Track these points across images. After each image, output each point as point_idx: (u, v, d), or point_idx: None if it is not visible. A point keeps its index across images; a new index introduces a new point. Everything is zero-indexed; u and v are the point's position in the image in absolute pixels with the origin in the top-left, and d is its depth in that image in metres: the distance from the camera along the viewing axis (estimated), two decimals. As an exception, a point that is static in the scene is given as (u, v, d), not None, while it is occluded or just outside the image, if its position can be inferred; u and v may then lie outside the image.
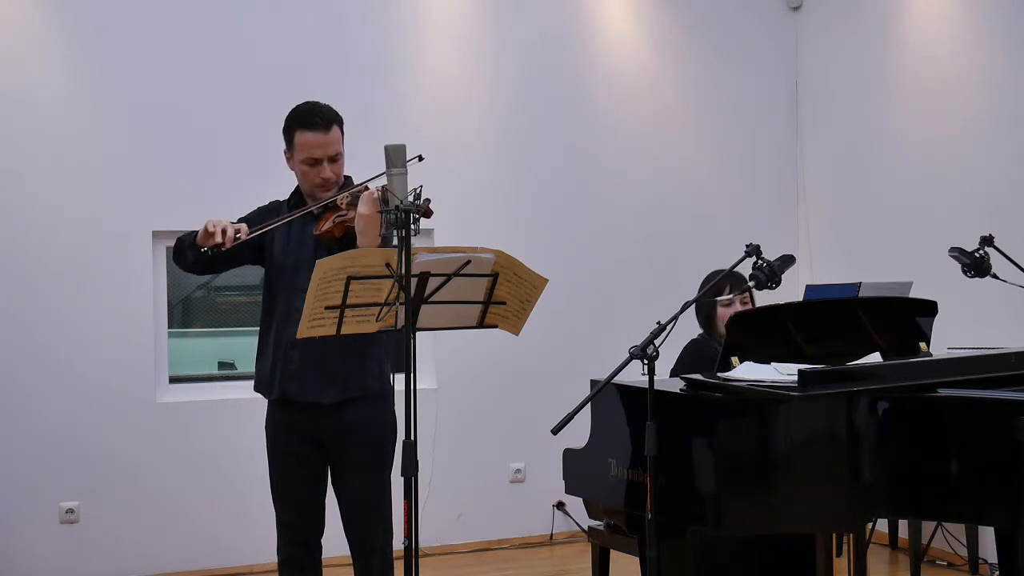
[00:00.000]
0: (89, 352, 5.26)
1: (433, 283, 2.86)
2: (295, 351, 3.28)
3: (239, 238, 3.12)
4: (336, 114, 3.35)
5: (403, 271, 2.72)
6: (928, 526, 5.22)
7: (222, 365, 6.32)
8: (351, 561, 3.39)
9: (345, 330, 2.87)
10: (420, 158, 3.07)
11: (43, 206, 5.22)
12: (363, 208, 3.09)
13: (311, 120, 3.30)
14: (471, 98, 5.98)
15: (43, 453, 5.17)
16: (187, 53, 5.45)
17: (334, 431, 3.32)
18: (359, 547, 3.35)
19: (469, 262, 2.87)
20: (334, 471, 3.40)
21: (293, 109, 3.37)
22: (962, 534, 5.17)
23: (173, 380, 5.53)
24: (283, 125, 3.37)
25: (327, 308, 2.82)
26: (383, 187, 2.88)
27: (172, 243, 3.39)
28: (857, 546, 3.40)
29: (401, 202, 2.76)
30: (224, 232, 3.10)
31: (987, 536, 4.96)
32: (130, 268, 5.31)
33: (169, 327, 5.53)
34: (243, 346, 6.32)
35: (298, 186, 3.43)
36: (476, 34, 6.02)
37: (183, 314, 6.03)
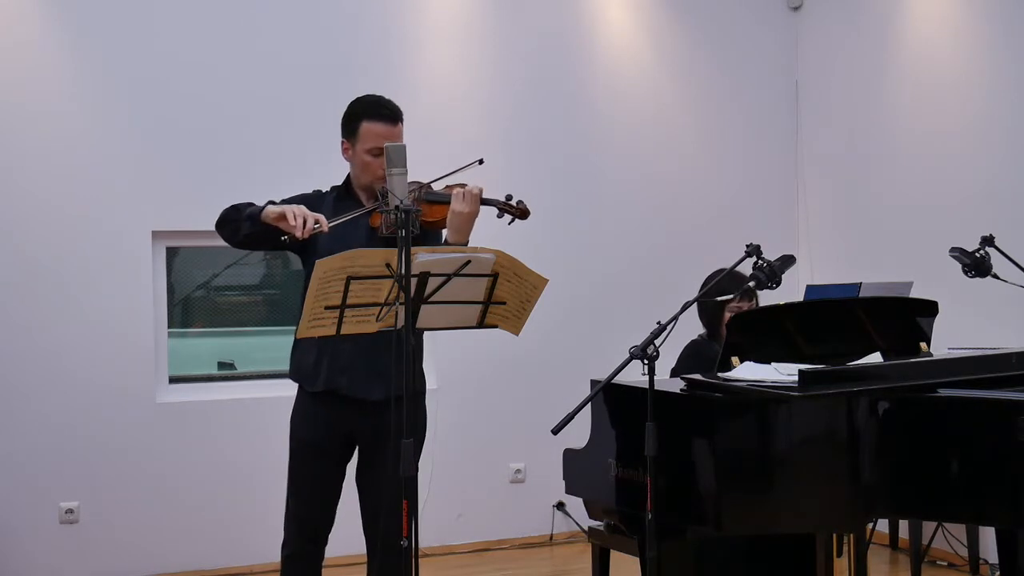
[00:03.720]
0: (89, 352, 5.25)
1: (433, 283, 2.86)
2: (346, 344, 3.23)
3: (317, 228, 3.08)
4: (400, 110, 3.37)
5: (403, 271, 2.72)
6: (928, 526, 5.21)
7: (222, 365, 6.30)
8: (354, 561, 3.38)
9: (345, 330, 2.87)
10: (480, 161, 3.10)
11: (42, 207, 5.22)
12: (463, 207, 3.20)
13: (380, 111, 3.32)
14: (471, 98, 5.98)
15: (43, 453, 5.16)
16: (187, 53, 5.44)
17: (371, 428, 3.30)
18: (378, 544, 3.33)
19: (469, 262, 2.87)
20: (363, 467, 3.39)
21: (357, 100, 3.37)
22: (962, 534, 5.17)
23: (173, 380, 5.52)
24: (345, 115, 3.36)
25: (327, 308, 2.82)
26: (382, 187, 2.88)
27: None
28: (857, 546, 3.40)
29: (401, 202, 2.76)
30: (305, 223, 3.07)
31: (987, 536, 4.95)
32: (130, 268, 5.29)
33: (169, 327, 5.52)
34: (243, 346, 6.30)
35: (347, 178, 3.42)
36: (476, 34, 6.01)
37: (183, 314, 6.02)
